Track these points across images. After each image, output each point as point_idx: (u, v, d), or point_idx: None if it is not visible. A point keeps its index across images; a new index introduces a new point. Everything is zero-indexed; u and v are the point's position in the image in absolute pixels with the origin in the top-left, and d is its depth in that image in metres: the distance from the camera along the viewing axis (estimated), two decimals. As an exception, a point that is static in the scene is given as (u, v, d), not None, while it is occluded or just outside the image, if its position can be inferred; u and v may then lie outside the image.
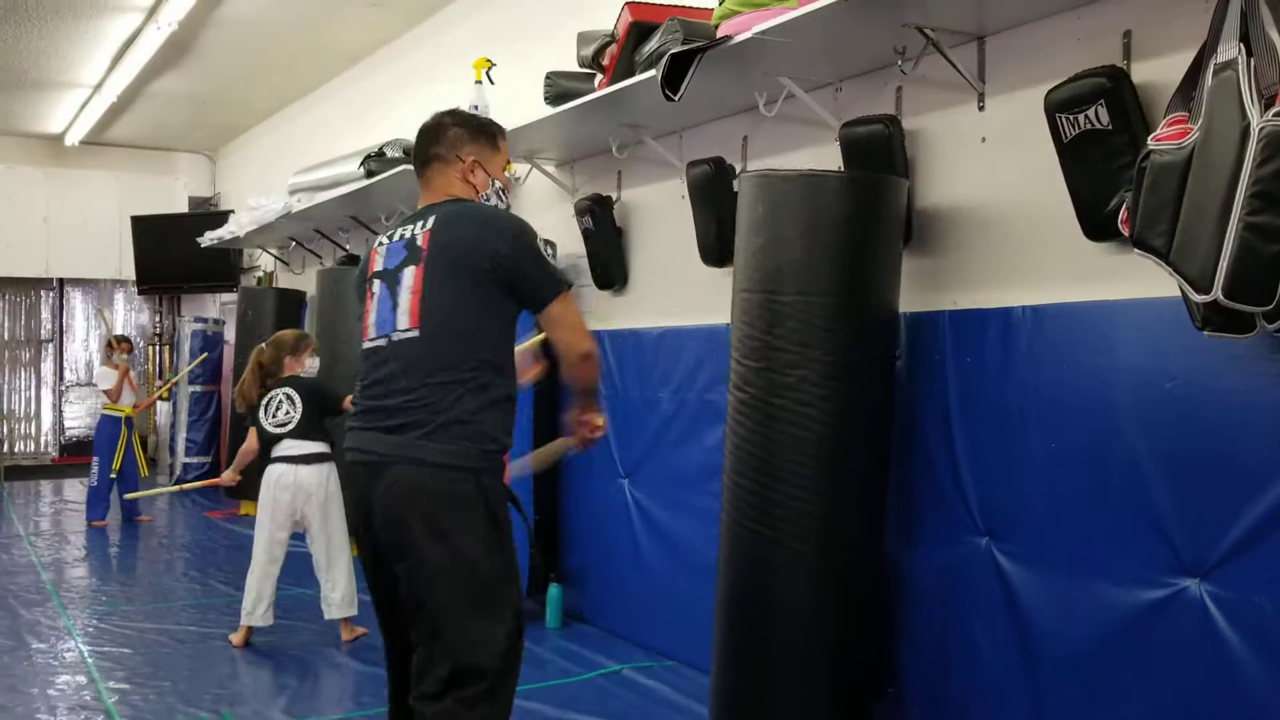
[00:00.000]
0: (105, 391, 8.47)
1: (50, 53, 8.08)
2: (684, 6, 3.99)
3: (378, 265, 2.75)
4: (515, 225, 2.68)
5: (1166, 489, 2.81)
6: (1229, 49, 2.32)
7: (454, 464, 2.57)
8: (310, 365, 5.20)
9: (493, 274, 2.60)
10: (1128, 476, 2.89)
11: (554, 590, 5.15)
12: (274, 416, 4.98)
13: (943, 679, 3.41)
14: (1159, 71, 2.81)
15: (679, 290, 4.67)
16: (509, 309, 2.67)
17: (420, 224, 2.69)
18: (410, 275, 2.64)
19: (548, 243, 4.49)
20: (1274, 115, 2.21)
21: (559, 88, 4.57)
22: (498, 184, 2.78)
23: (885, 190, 3.33)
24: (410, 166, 5.69)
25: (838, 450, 3.26)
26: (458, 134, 2.75)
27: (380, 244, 2.80)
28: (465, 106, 5.30)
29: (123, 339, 8.78)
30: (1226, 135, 2.28)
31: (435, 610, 2.59)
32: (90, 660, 4.71)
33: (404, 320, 2.64)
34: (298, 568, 6.57)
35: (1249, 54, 2.30)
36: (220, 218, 9.67)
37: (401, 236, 2.72)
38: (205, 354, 9.98)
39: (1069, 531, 3.04)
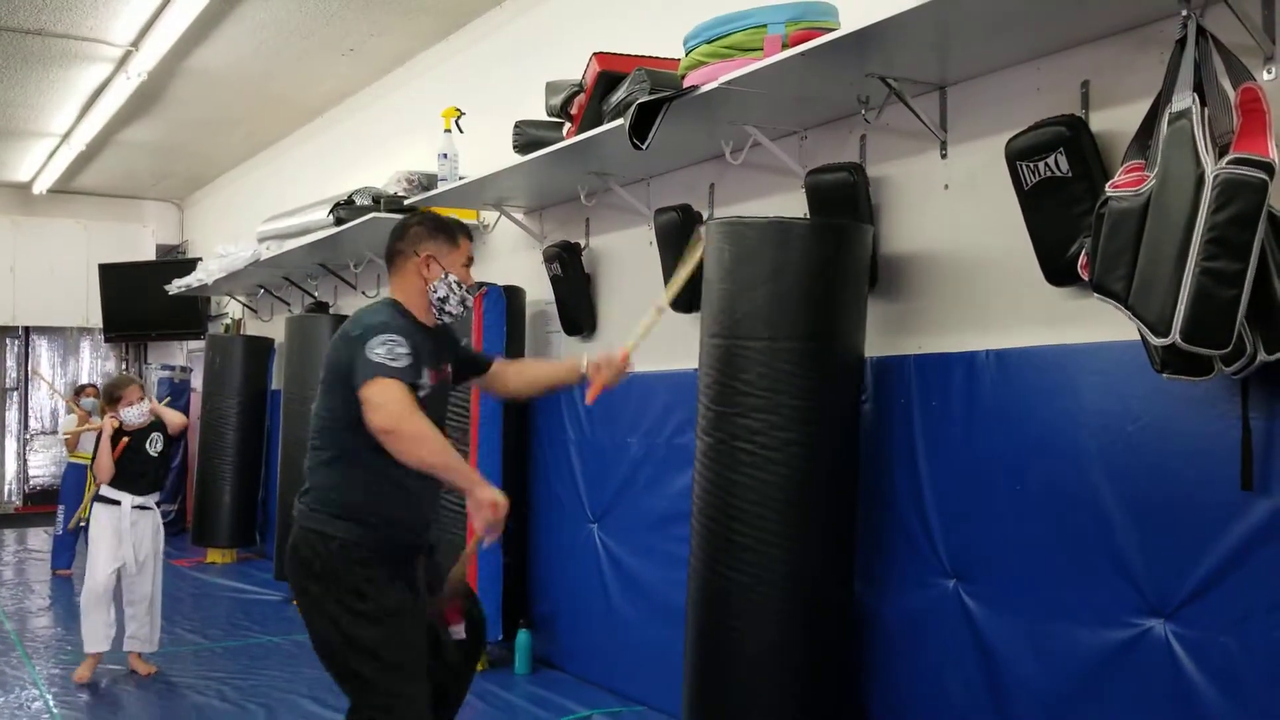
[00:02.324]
0: (64, 440, 8.39)
1: (19, 102, 8.07)
2: (651, 57, 4.04)
3: None
4: (360, 325, 2.89)
5: (1130, 530, 2.84)
6: (1183, 99, 2.39)
7: (315, 528, 2.88)
8: (127, 413, 5.20)
9: (338, 370, 2.88)
10: (1092, 518, 2.91)
11: (523, 636, 5.12)
12: None
13: (913, 723, 3.41)
14: (1116, 120, 2.88)
15: (647, 336, 4.68)
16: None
17: None
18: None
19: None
20: (1227, 163, 2.28)
21: (528, 136, 4.60)
22: (452, 277, 3.01)
23: (850, 236, 3.38)
24: (379, 214, 5.79)
25: (805, 494, 3.27)
26: (418, 231, 3.05)
27: None
28: (435, 154, 5.38)
29: (88, 386, 8.71)
30: (1182, 182, 2.34)
31: (324, 661, 2.93)
32: (55, 710, 4.64)
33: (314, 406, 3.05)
34: (264, 615, 6.52)
35: (1203, 103, 2.37)
36: (188, 265, 9.63)
37: None
38: (169, 398, 9.87)
39: (1036, 573, 3.06)
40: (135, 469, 5.18)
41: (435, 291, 2.99)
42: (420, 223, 3.08)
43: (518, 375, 3.37)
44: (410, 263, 3.01)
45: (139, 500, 5.18)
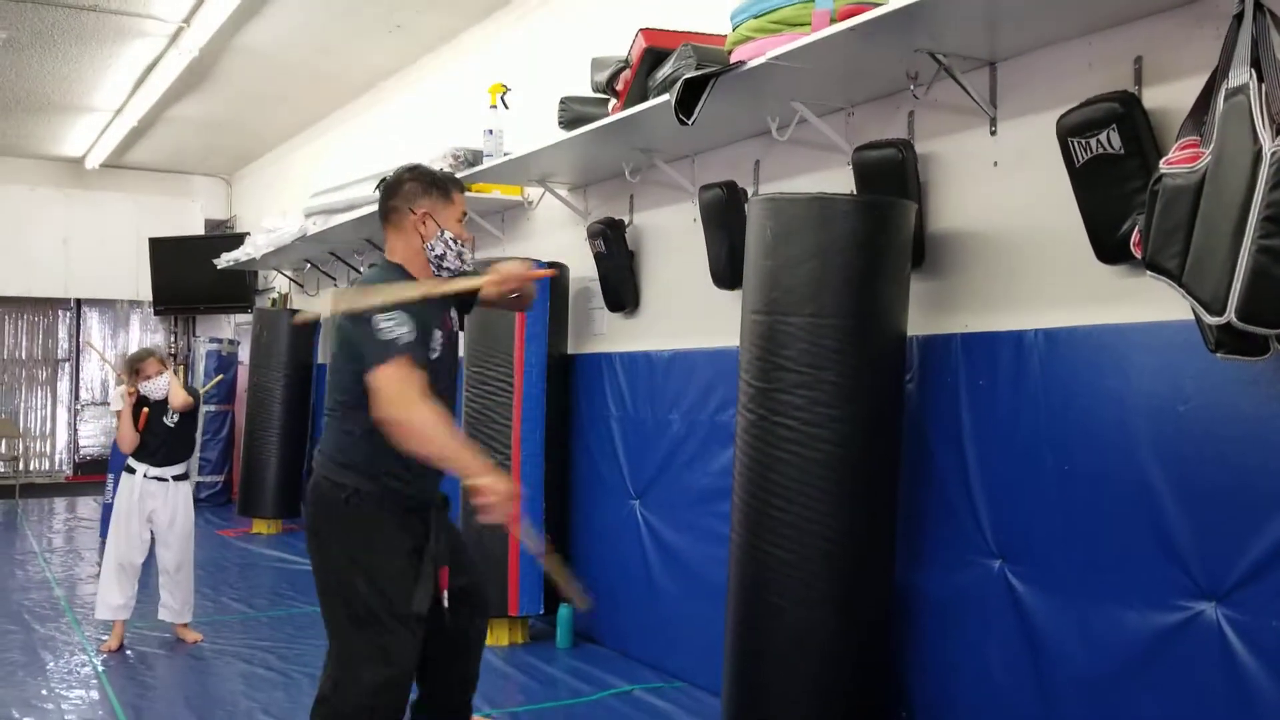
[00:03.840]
0: (116, 413, 8.51)
1: (73, 77, 8.18)
2: (698, 32, 4.02)
3: None
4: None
5: (1181, 512, 2.80)
6: (1240, 74, 2.34)
7: (332, 478, 2.94)
8: (145, 386, 5.26)
9: (346, 334, 2.89)
10: (1142, 499, 2.89)
11: (564, 610, 5.15)
12: None
13: (956, 702, 3.40)
14: (1170, 97, 2.83)
15: (690, 313, 4.69)
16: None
17: None
18: None
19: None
20: (1285, 139, 2.23)
21: (573, 112, 4.60)
22: (448, 234, 2.98)
23: (895, 213, 3.35)
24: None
25: (847, 471, 3.26)
26: (413, 188, 3.00)
27: None
28: (480, 130, 5.39)
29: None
30: (1238, 159, 2.30)
31: (323, 612, 2.98)
32: (104, 675, 4.73)
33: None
34: (309, 585, 6.60)
35: (1260, 79, 2.32)
36: (236, 240, 9.73)
37: None
38: (220, 376, 10.03)
39: (1083, 554, 3.03)
40: (153, 442, 5.27)
41: (433, 250, 2.98)
42: (413, 178, 3.03)
43: None
44: (407, 220, 2.98)
45: (155, 471, 5.27)
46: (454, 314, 3.11)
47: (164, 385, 5.26)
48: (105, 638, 5.25)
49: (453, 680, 3.17)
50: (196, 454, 10.21)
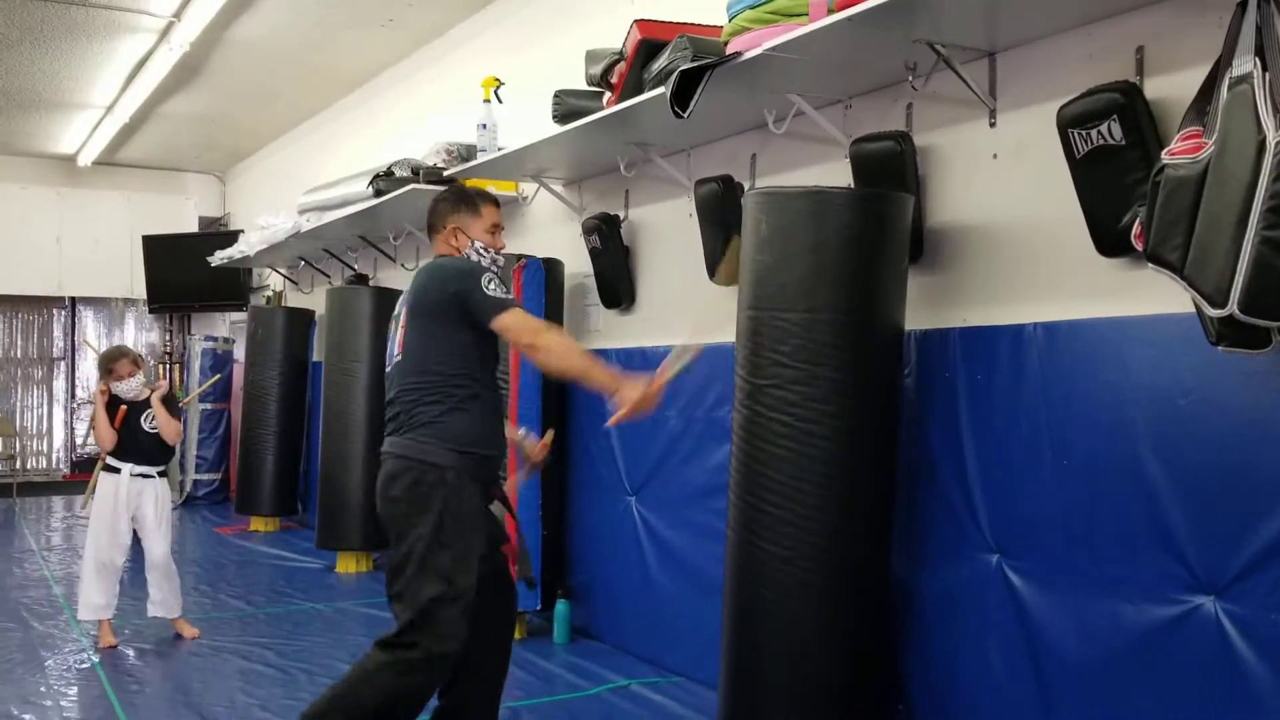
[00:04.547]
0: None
1: (64, 74, 8.13)
2: (693, 24, 3.99)
3: (395, 312, 3.40)
4: (462, 267, 3.22)
5: (1180, 506, 2.79)
6: (1244, 63, 2.31)
7: (419, 458, 3.12)
8: (117, 386, 5.19)
9: (445, 307, 3.16)
10: (1141, 493, 2.87)
11: (561, 606, 5.13)
12: None
13: (953, 697, 3.39)
14: (1172, 87, 2.81)
15: (687, 309, 4.66)
16: (467, 332, 3.17)
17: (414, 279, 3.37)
18: (402, 317, 3.30)
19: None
20: (1289, 129, 2.20)
21: (567, 106, 4.56)
22: (478, 244, 3.30)
23: (891, 206, 3.32)
24: (418, 185, 5.80)
25: (844, 467, 3.24)
26: (444, 206, 3.38)
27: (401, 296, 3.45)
28: (474, 124, 5.36)
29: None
30: (1242, 150, 2.27)
31: (393, 577, 3.15)
32: (102, 672, 4.71)
33: (396, 350, 3.30)
34: (307, 582, 6.58)
35: (1264, 68, 2.29)
36: (230, 237, 9.70)
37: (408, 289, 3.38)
38: (216, 376, 10.00)
39: (1082, 548, 3.02)
40: (131, 443, 5.21)
41: (467, 259, 3.27)
42: (445, 198, 3.39)
43: None
44: (440, 236, 3.34)
45: (139, 469, 5.23)
46: None
47: (135, 386, 5.21)
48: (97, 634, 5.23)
49: (492, 667, 3.33)
50: (193, 451, 10.23)
